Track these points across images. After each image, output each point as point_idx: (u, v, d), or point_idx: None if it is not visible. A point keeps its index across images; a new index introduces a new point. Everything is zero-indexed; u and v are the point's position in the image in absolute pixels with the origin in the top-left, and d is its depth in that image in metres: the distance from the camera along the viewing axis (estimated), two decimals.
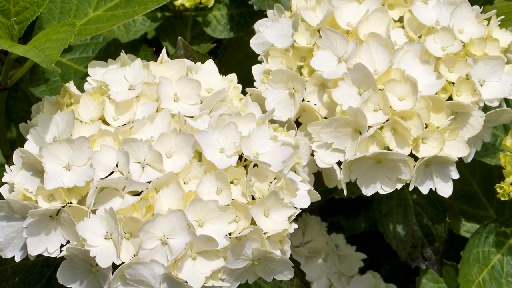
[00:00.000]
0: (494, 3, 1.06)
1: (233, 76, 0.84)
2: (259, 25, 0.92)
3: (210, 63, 0.83)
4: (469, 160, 0.89)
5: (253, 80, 0.89)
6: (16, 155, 0.77)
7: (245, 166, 0.75)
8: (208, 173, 0.73)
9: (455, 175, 0.85)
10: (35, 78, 1.02)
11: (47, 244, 0.73)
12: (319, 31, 0.84)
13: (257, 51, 0.91)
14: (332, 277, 1.10)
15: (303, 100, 0.85)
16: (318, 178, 0.88)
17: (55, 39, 0.78)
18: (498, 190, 0.91)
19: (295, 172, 0.80)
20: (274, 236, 0.74)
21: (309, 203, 0.78)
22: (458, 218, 1.11)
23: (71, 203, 0.73)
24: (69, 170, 0.73)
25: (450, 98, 0.83)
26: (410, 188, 0.83)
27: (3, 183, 0.77)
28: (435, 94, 0.82)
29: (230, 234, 0.72)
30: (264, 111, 0.82)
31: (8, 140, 1.06)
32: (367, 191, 0.83)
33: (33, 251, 0.74)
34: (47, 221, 0.73)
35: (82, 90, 0.82)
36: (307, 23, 0.85)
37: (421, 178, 0.84)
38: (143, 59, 0.82)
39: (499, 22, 0.88)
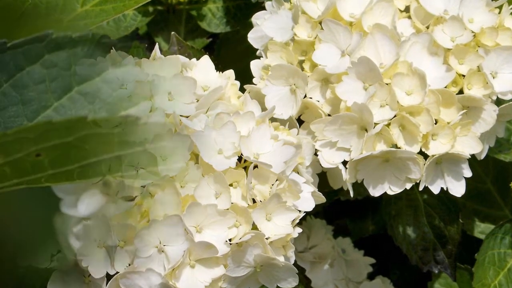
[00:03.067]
0: None
1: (230, 73, 0.84)
2: (257, 18, 0.92)
3: (205, 59, 0.83)
4: (482, 157, 0.89)
5: (252, 77, 0.89)
6: None
7: (245, 168, 0.75)
8: (205, 175, 0.73)
9: (468, 173, 0.85)
10: None
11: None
12: (320, 23, 0.84)
13: (255, 46, 0.91)
14: (339, 283, 1.10)
15: (305, 96, 0.85)
16: (323, 179, 0.87)
17: None
18: None
19: (298, 173, 0.80)
20: (277, 241, 0.74)
21: (313, 206, 0.78)
22: (472, 218, 1.11)
23: None
24: None
25: (460, 92, 0.83)
26: (420, 188, 0.83)
27: None
28: (445, 87, 0.82)
29: (230, 240, 0.72)
30: (264, 109, 0.82)
31: None
32: (375, 192, 0.83)
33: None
34: None
35: None
36: (307, 15, 0.85)
37: (431, 177, 0.84)
38: (134, 56, 0.82)
39: (511, 10, 0.88)
